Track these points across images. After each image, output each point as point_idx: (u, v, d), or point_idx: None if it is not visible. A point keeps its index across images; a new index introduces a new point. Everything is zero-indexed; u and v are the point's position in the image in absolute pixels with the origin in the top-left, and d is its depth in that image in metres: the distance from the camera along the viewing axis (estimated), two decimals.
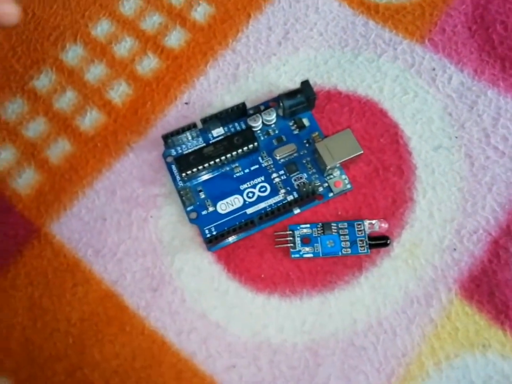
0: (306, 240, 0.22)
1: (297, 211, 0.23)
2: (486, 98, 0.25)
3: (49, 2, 0.28)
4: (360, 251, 0.22)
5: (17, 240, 0.23)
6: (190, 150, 0.24)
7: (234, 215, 0.23)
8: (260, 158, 0.24)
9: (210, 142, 0.24)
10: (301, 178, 0.23)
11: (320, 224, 0.22)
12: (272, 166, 0.24)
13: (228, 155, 0.23)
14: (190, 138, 0.24)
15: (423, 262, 0.22)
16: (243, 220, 0.22)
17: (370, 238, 0.22)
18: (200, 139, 0.24)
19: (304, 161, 0.24)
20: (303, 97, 0.24)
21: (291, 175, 0.23)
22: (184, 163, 0.23)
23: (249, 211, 0.23)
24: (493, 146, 0.24)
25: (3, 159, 0.25)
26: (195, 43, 0.26)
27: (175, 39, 0.27)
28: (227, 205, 0.23)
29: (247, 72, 0.26)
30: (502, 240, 0.22)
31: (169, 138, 0.23)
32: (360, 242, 0.22)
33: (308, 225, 0.23)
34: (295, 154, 0.24)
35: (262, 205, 0.23)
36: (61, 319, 0.22)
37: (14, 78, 0.26)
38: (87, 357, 0.21)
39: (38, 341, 0.22)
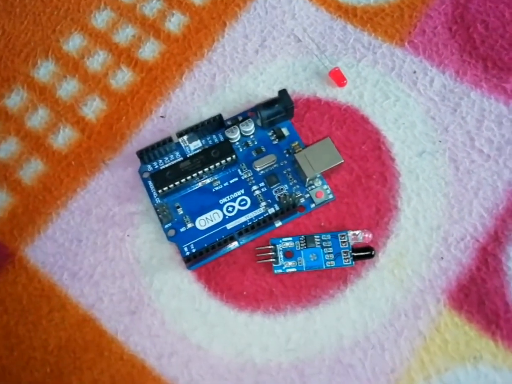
0: (289, 254, 0.22)
1: (278, 224, 0.22)
2: (469, 100, 0.24)
3: (19, 18, 0.27)
4: (344, 264, 0.21)
5: None
6: (166, 165, 0.23)
7: (214, 231, 0.22)
8: (239, 170, 0.23)
9: (187, 156, 0.23)
10: (282, 189, 0.23)
11: (302, 236, 0.22)
12: (252, 178, 0.23)
13: (206, 169, 0.22)
14: (166, 152, 0.23)
15: (409, 272, 0.21)
16: (223, 236, 0.22)
17: (354, 249, 0.21)
18: (177, 153, 0.24)
19: (285, 172, 0.23)
20: (281, 107, 0.23)
21: (272, 187, 0.23)
22: (160, 179, 0.22)
23: (229, 226, 0.22)
24: (478, 149, 0.23)
25: None
26: (169, 54, 0.26)
27: (149, 51, 0.26)
28: (206, 220, 0.22)
29: (224, 83, 0.25)
30: (490, 247, 0.21)
31: (144, 154, 0.23)
32: (344, 254, 0.21)
33: (290, 238, 0.22)
34: (275, 165, 0.23)
35: (242, 219, 0.22)
36: (37, 347, 0.21)
37: None
38: None
39: (15, 370, 0.21)
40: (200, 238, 0.22)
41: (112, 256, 0.22)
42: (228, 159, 0.23)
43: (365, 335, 0.20)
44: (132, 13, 0.27)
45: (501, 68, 0.24)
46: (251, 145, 0.24)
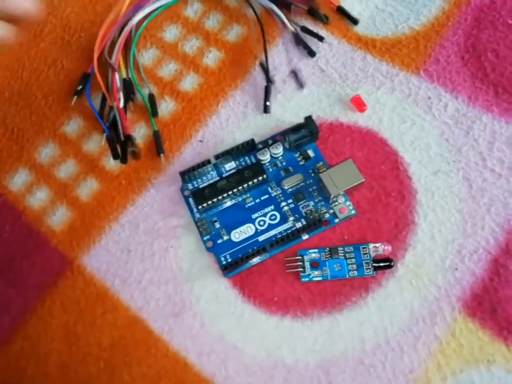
0: (315, 264, 0.24)
1: (305, 237, 0.25)
2: (481, 123, 0.26)
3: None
4: (366, 273, 0.23)
5: (52, 272, 0.25)
6: (205, 184, 0.26)
7: (247, 243, 0.25)
8: (269, 188, 0.26)
9: (223, 176, 0.26)
10: (308, 206, 0.25)
11: (327, 248, 0.24)
12: (281, 195, 0.26)
13: (240, 187, 0.25)
14: (205, 173, 0.26)
15: (426, 282, 0.23)
16: (255, 247, 0.24)
17: (375, 260, 0.24)
18: (214, 173, 0.27)
19: (311, 190, 0.26)
20: (307, 131, 0.26)
21: (299, 203, 0.25)
22: (200, 197, 0.25)
23: (261, 238, 0.25)
24: (490, 169, 0.25)
25: (38, 199, 0.27)
26: (207, 86, 0.29)
27: (189, 83, 0.29)
28: (240, 233, 0.25)
29: (255, 110, 0.28)
30: (502, 259, 0.23)
31: (185, 174, 0.26)
32: (366, 265, 0.23)
33: (316, 250, 0.24)
34: (301, 184, 0.26)
35: (273, 232, 0.25)
36: (93, 344, 0.24)
37: (47, 125, 0.29)
38: (117, 379, 0.23)
39: (73, 365, 0.24)
40: (235, 249, 0.25)
41: (157, 265, 0.25)
42: (259, 178, 0.25)
43: (386, 339, 0.22)
44: (175, 51, 0.30)
45: (510, 93, 0.26)
46: (280, 165, 0.26)
